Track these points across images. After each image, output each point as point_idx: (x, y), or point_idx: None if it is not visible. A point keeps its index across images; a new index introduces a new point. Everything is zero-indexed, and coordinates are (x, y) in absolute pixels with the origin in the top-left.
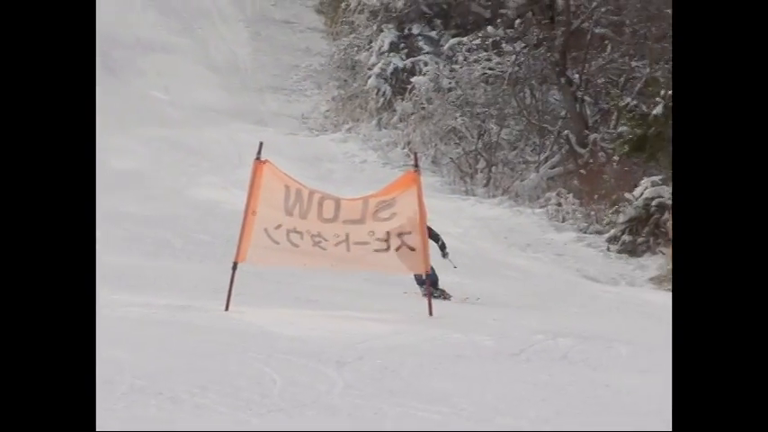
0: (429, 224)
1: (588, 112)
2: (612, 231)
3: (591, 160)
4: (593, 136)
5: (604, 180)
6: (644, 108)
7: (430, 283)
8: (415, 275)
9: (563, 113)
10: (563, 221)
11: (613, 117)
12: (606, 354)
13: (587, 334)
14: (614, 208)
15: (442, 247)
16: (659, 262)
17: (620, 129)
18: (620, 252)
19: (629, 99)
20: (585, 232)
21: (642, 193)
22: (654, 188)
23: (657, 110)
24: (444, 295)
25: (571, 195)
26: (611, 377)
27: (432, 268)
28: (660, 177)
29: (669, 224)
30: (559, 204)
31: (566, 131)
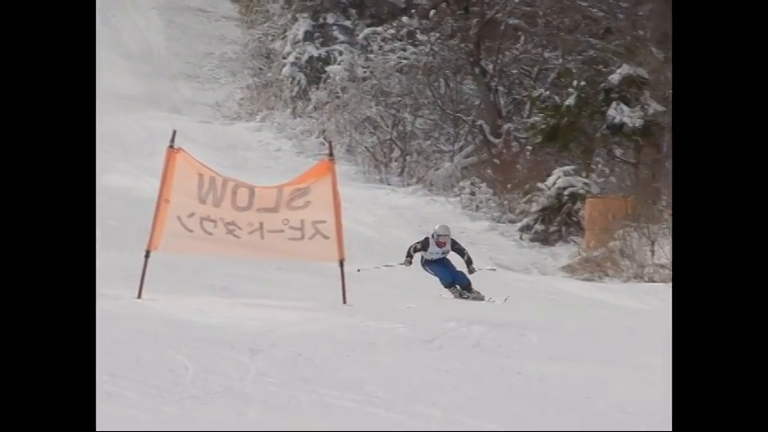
0: (454, 238)
1: (502, 102)
2: (525, 220)
3: (504, 150)
4: (506, 126)
5: (517, 170)
6: (557, 99)
7: (464, 287)
8: (441, 280)
9: (477, 103)
10: (476, 210)
11: (526, 107)
12: (518, 341)
13: (499, 321)
14: (527, 197)
15: (468, 262)
16: (571, 250)
17: (534, 119)
18: (532, 241)
19: (542, 89)
20: (499, 221)
21: (555, 183)
22: (566, 178)
23: (570, 100)
24: (478, 296)
25: (485, 185)
26: (523, 364)
27: (461, 272)
28: (572, 167)
29: (581, 213)
30: (473, 193)
31: (479, 121)
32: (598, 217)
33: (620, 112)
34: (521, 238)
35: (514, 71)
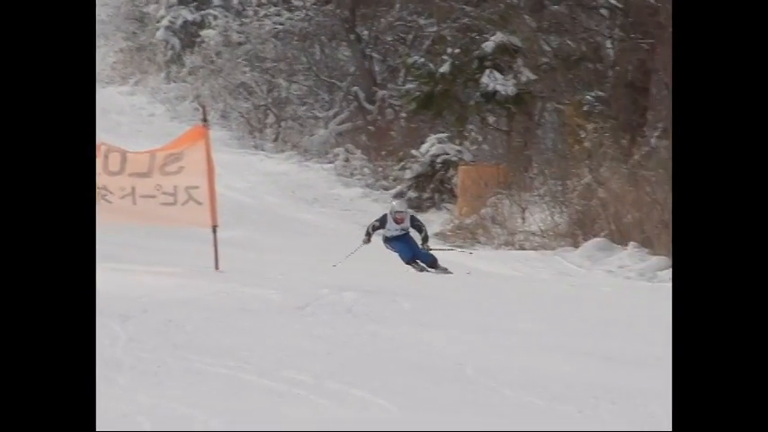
0: (413, 214)
1: (377, 69)
2: (399, 187)
3: (379, 117)
4: (381, 93)
5: (392, 137)
6: (431, 66)
7: (429, 264)
8: (400, 256)
9: (352, 70)
10: (351, 177)
11: (401, 74)
12: (390, 308)
13: (372, 288)
14: (401, 164)
15: (424, 239)
16: (444, 217)
17: (408, 86)
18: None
19: (416, 57)
20: (373, 188)
21: (428, 150)
22: (440, 145)
23: (444, 68)
24: (446, 272)
25: (359, 151)
26: (395, 330)
27: (429, 252)
28: (446, 134)
29: (454, 180)
30: (347, 160)
31: (354, 88)
32: (471, 184)
33: (493, 80)
34: None
35: (389, 38)
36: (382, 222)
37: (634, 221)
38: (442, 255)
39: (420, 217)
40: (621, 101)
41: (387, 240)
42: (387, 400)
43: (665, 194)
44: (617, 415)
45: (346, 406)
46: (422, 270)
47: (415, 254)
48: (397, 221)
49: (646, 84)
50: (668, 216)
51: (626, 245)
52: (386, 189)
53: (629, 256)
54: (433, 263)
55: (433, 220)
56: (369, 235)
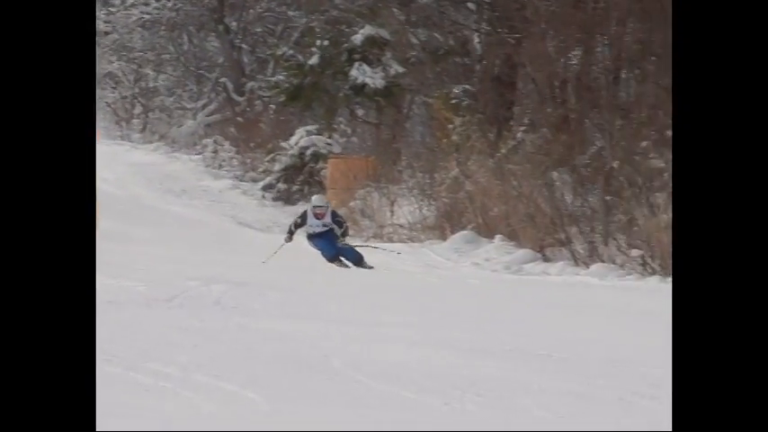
0: (334, 209)
1: (245, 60)
2: (268, 179)
3: (248, 108)
4: (250, 84)
5: (261, 128)
6: (300, 58)
7: (355, 262)
8: (323, 253)
9: (220, 61)
10: (219, 169)
11: (270, 66)
12: (258, 300)
13: (240, 280)
14: (270, 156)
15: (343, 235)
16: None
17: (277, 78)
18: (275, 200)
19: (285, 48)
20: (242, 180)
21: (297, 142)
22: (309, 137)
23: (313, 60)
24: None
25: (228, 143)
26: (262, 323)
27: (353, 249)
28: (315, 127)
29: (323, 173)
30: (216, 152)
31: (223, 79)
32: (340, 177)
33: (362, 73)
34: (263, 197)
35: (258, 29)
36: (303, 219)
37: (500, 215)
38: (305, 244)
39: (289, 209)
40: (488, 95)
41: (310, 238)
42: (255, 393)
43: (530, 188)
44: (483, 407)
45: (214, 399)
46: (346, 267)
47: (338, 252)
48: (317, 216)
49: (512, 78)
50: (533, 209)
51: (492, 238)
52: (255, 181)
53: (496, 249)
54: (358, 261)
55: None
56: (291, 233)
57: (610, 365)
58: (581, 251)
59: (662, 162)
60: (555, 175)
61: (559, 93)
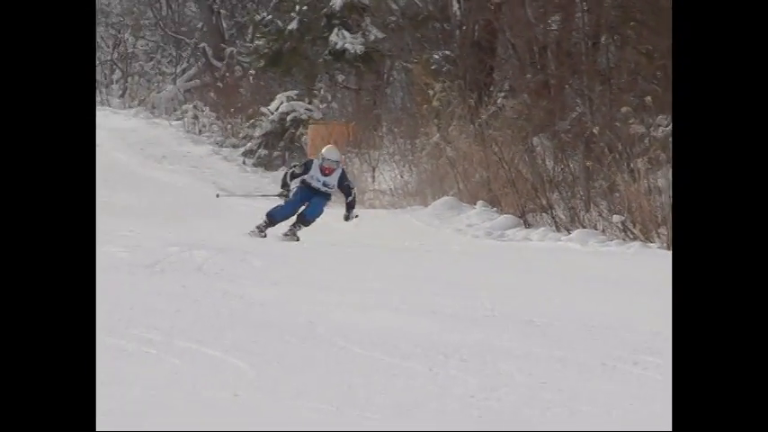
0: (345, 170)
1: (225, 25)
2: (248, 145)
3: (227, 74)
4: (229, 49)
5: (241, 94)
6: (279, 23)
7: (303, 221)
8: (288, 207)
9: (200, 26)
10: (200, 134)
11: (249, 31)
12: (241, 266)
13: (222, 246)
14: (250, 122)
15: (350, 206)
16: None
17: (256, 43)
18: (255, 165)
19: (264, 13)
20: (222, 146)
21: (278, 108)
22: (289, 103)
23: (292, 25)
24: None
25: (208, 108)
26: (245, 289)
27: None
28: (295, 92)
29: (304, 139)
30: (196, 117)
31: (202, 44)
32: (320, 143)
33: (341, 39)
34: (244, 162)
35: None
36: (306, 168)
37: (482, 181)
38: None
39: (270, 174)
40: (468, 60)
41: (302, 182)
42: (239, 360)
43: (511, 154)
44: (466, 372)
45: (198, 365)
46: (294, 239)
47: (307, 217)
48: (324, 172)
49: (492, 44)
50: (514, 175)
51: (474, 204)
52: (235, 147)
53: (477, 215)
54: (307, 221)
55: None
56: (286, 186)
57: (592, 331)
58: (562, 217)
59: (642, 128)
60: (536, 140)
61: (539, 58)
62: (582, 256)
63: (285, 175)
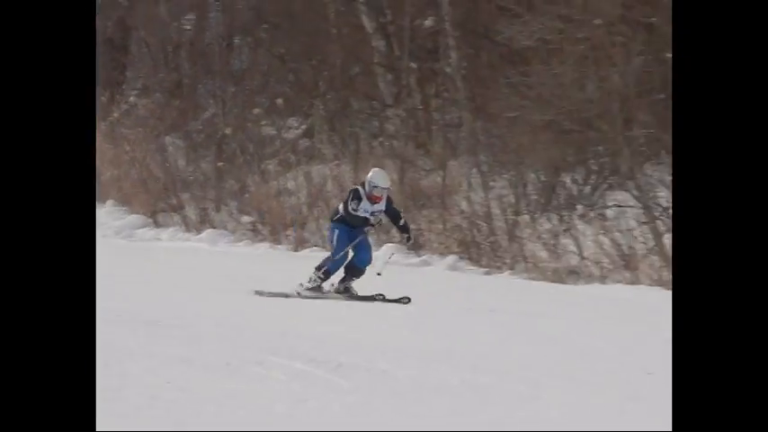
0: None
1: None
2: None
3: None
4: None
5: None
6: None
7: (352, 273)
8: (358, 263)
9: None
10: None
11: None
12: None
13: None
14: None
15: (405, 229)
16: None
17: None
18: None
19: None
20: None
21: None
22: None
23: None
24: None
25: None
26: None
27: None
28: None
29: None
30: None
31: None
32: None
33: None
34: None
35: None
36: (358, 199)
37: (112, 179)
38: None
39: None
40: (101, 58)
41: (340, 223)
42: None
43: (143, 153)
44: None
45: None
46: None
47: (358, 265)
48: (372, 200)
49: (125, 41)
50: (146, 174)
51: (104, 202)
52: None
53: (107, 214)
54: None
55: None
56: (367, 221)
57: (217, 329)
58: (193, 217)
59: (273, 129)
60: (168, 140)
61: (173, 58)
62: (211, 255)
63: (343, 210)
